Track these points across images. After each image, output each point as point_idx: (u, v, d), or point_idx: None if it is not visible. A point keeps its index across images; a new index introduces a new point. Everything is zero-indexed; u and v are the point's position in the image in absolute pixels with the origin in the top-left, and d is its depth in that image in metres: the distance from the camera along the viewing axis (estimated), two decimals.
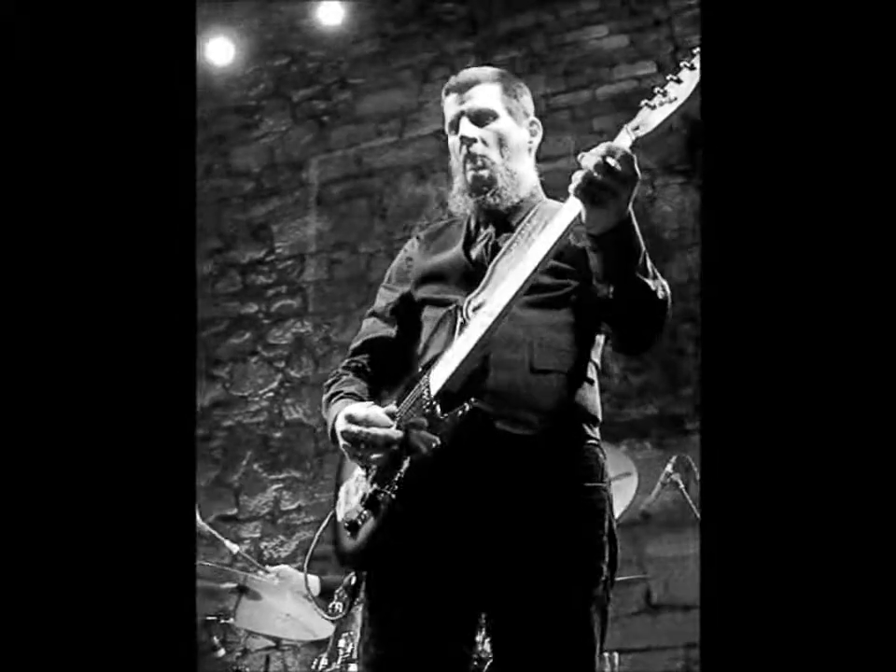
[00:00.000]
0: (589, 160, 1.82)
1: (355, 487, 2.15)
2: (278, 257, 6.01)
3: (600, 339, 2.22)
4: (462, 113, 2.27)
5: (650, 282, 1.97)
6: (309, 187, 6.07)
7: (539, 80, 5.44)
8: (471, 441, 1.96)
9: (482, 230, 2.29)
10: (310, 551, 3.24)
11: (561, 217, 1.95)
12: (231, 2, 5.95)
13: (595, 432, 2.15)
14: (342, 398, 2.21)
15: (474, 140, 2.24)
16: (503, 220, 2.26)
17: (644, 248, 1.96)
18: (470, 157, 2.24)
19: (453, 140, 2.31)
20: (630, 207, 1.89)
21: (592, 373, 2.18)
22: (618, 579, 3.95)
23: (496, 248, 2.21)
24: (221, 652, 4.00)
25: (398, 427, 2.04)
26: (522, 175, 2.29)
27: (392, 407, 2.09)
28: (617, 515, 3.61)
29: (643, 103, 1.87)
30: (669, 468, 3.77)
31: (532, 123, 2.37)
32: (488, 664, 3.03)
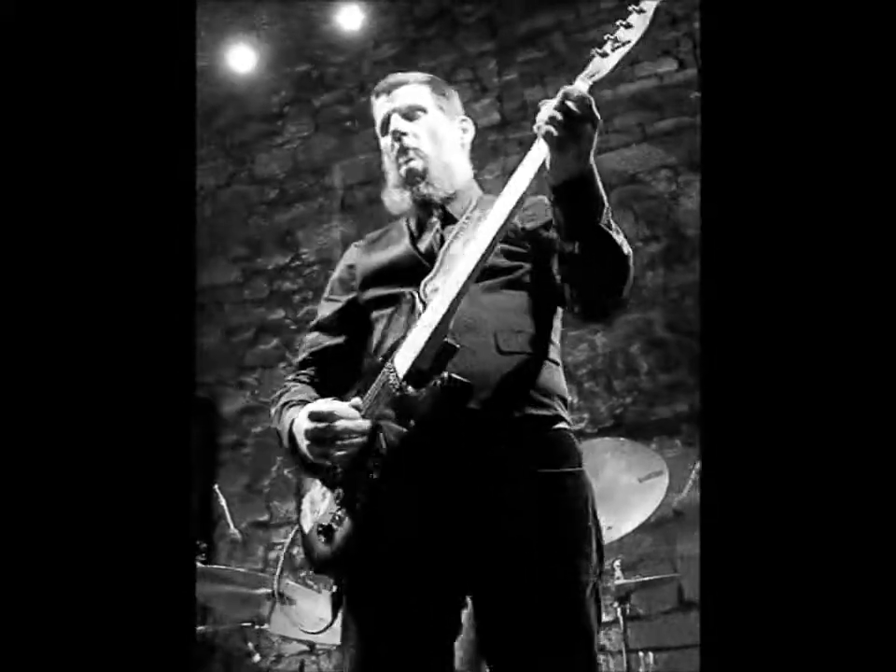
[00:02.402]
0: (547, 104, 1.84)
1: (321, 494, 2.10)
2: (304, 262, 6.03)
3: (558, 323, 2.22)
4: (392, 111, 2.30)
5: (614, 235, 1.95)
6: (333, 192, 6.08)
7: (560, 80, 5.40)
8: (443, 426, 1.92)
9: (427, 224, 2.28)
10: (278, 568, 3.27)
11: (523, 169, 1.95)
12: (251, 6, 5.96)
13: (567, 415, 2.13)
14: (293, 405, 2.17)
15: (405, 133, 2.27)
16: (445, 212, 2.26)
17: (607, 203, 1.94)
18: (402, 150, 2.26)
19: (384, 141, 2.33)
20: (592, 158, 1.89)
21: (555, 355, 2.18)
22: (650, 578, 3.95)
23: (443, 239, 2.20)
24: (256, 658, 4.00)
25: (364, 418, 2.00)
26: (455, 166, 2.31)
27: (356, 399, 2.04)
28: (649, 514, 3.65)
29: (593, 51, 1.90)
30: (700, 465, 3.76)
31: (463, 121, 2.41)
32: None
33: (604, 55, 1.90)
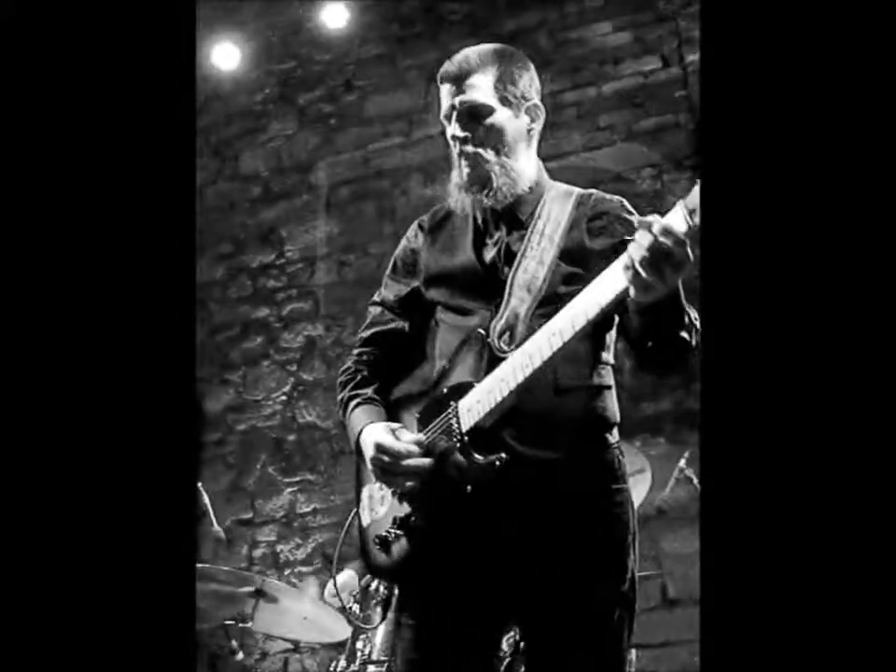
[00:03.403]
0: (643, 238, 1.72)
1: (380, 495, 2.17)
2: (288, 260, 6.01)
3: (611, 337, 2.17)
4: (453, 108, 2.20)
5: (687, 336, 1.92)
6: (317, 189, 6.07)
7: (544, 78, 5.42)
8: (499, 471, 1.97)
9: (491, 229, 2.24)
10: (336, 555, 3.25)
11: (603, 287, 1.85)
12: (236, 4, 5.95)
13: (616, 435, 2.15)
14: (360, 403, 2.22)
15: (465, 139, 2.18)
16: (510, 217, 2.21)
17: (686, 306, 1.90)
18: (463, 154, 2.19)
19: (449, 129, 2.23)
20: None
21: (610, 379, 2.16)
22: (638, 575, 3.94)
23: (508, 251, 2.17)
24: (240, 656, 4.00)
25: (425, 454, 2.06)
26: (520, 170, 2.21)
27: (420, 436, 2.09)
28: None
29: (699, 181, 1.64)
30: (683, 462, 3.77)
31: (533, 107, 2.27)
32: None
33: None
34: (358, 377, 2.30)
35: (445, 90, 2.24)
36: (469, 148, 2.18)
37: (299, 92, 6.33)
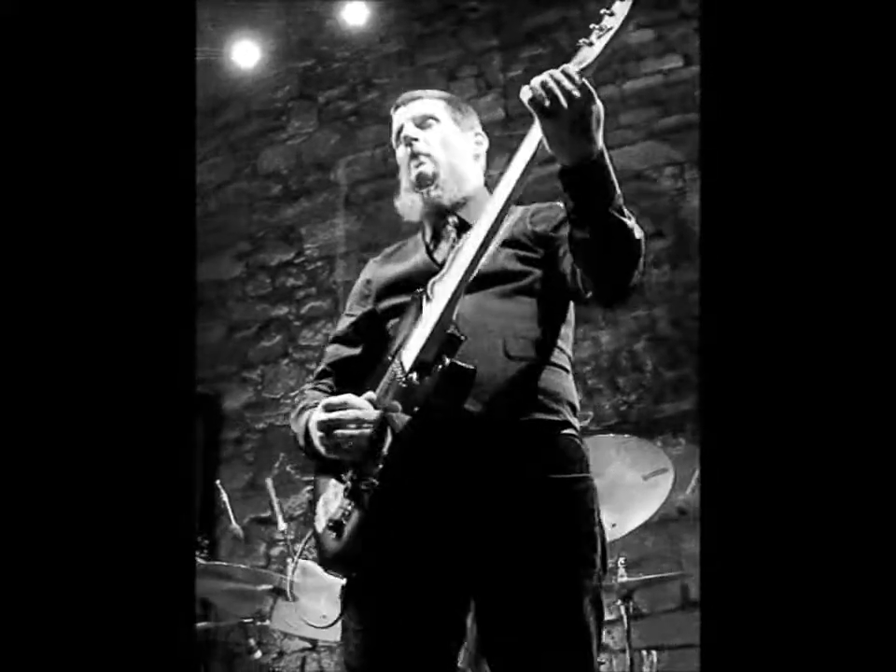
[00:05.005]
0: (537, 78, 1.85)
1: (333, 493, 2.13)
2: (308, 258, 6.02)
3: (567, 331, 2.23)
4: (406, 120, 2.38)
5: (626, 220, 1.94)
6: (337, 188, 6.08)
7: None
8: (451, 428, 1.96)
9: (443, 233, 2.31)
10: (293, 569, 3.27)
11: (520, 153, 1.97)
12: (256, 3, 5.96)
13: (575, 422, 2.15)
14: (310, 408, 2.18)
15: (416, 139, 2.33)
16: (460, 220, 2.28)
17: (619, 189, 1.94)
18: (414, 155, 2.32)
19: (399, 151, 2.39)
20: (601, 142, 1.88)
21: (564, 362, 2.20)
22: (655, 576, 3.94)
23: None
24: (258, 654, 3.99)
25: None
26: (465, 173, 2.35)
27: (370, 393, 2.07)
28: (653, 512, 3.64)
29: (580, 41, 1.91)
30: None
31: (478, 135, 2.46)
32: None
33: (590, 44, 1.90)
34: (310, 395, 2.30)
35: (398, 113, 2.43)
36: (420, 146, 2.33)
37: (319, 90, 6.33)
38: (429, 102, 2.42)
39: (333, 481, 2.14)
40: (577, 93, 1.82)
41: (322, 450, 2.07)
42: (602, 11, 1.91)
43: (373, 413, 2.01)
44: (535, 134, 1.92)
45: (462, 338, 1.97)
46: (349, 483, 2.06)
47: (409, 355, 2.02)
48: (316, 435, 2.07)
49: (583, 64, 1.87)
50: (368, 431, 2.00)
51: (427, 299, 2.07)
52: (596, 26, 1.91)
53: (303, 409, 2.23)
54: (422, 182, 2.30)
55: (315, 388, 2.35)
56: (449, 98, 2.47)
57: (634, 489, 3.63)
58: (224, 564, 4.03)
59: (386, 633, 2.02)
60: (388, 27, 6.10)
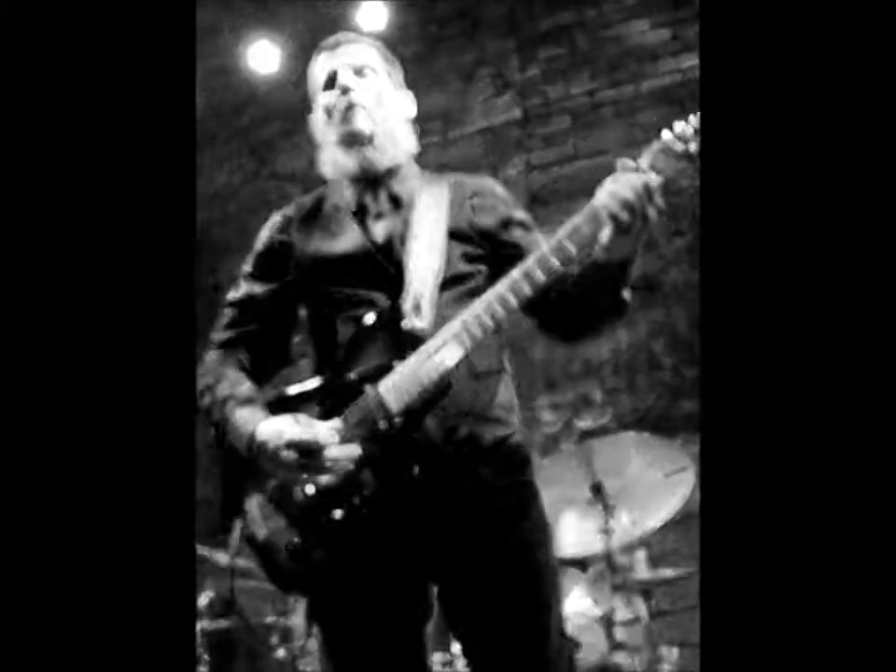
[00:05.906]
0: (632, 181, 1.82)
1: (277, 497, 1.96)
2: None
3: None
4: (340, 65, 2.15)
5: (626, 294, 1.95)
6: None
7: (583, 77, 5.43)
8: (412, 451, 1.88)
9: (370, 206, 2.13)
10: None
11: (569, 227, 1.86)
12: (274, 5, 5.98)
13: (518, 424, 2.09)
14: (241, 404, 2.02)
15: (354, 89, 2.11)
16: (389, 193, 2.13)
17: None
18: (350, 106, 2.10)
19: (326, 97, 2.15)
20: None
21: (508, 362, 2.13)
22: (675, 574, 3.93)
23: (397, 233, 2.08)
24: (280, 653, 4.02)
25: (341, 442, 1.88)
26: (400, 137, 2.17)
27: (336, 422, 1.91)
28: (674, 510, 3.63)
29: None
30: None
31: (407, 95, 2.27)
32: None
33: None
34: (227, 375, 2.08)
35: (324, 57, 2.20)
36: (358, 97, 2.11)
37: None
38: (364, 48, 2.20)
39: (273, 482, 1.98)
40: (654, 214, 1.80)
41: (279, 475, 1.93)
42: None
43: (355, 452, 1.87)
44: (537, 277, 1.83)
45: (452, 384, 1.88)
46: (322, 512, 1.92)
47: (398, 396, 1.88)
48: (274, 465, 1.90)
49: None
50: (346, 468, 1.88)
51: (409, 332, 1.94)
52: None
53: (229, 399, 2.02)
54: (357, 139, 2.09)
55: (222, 360, 2.13)
56: (381, 47, 2.25)
57: (654, 487, 3.63)
58: (248, 563, 4.04)
59: (352, 639, 2.00)
60: (405, 29, 6.09)
